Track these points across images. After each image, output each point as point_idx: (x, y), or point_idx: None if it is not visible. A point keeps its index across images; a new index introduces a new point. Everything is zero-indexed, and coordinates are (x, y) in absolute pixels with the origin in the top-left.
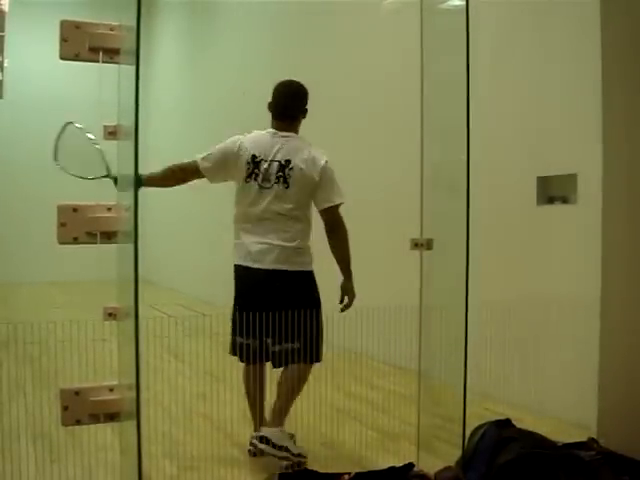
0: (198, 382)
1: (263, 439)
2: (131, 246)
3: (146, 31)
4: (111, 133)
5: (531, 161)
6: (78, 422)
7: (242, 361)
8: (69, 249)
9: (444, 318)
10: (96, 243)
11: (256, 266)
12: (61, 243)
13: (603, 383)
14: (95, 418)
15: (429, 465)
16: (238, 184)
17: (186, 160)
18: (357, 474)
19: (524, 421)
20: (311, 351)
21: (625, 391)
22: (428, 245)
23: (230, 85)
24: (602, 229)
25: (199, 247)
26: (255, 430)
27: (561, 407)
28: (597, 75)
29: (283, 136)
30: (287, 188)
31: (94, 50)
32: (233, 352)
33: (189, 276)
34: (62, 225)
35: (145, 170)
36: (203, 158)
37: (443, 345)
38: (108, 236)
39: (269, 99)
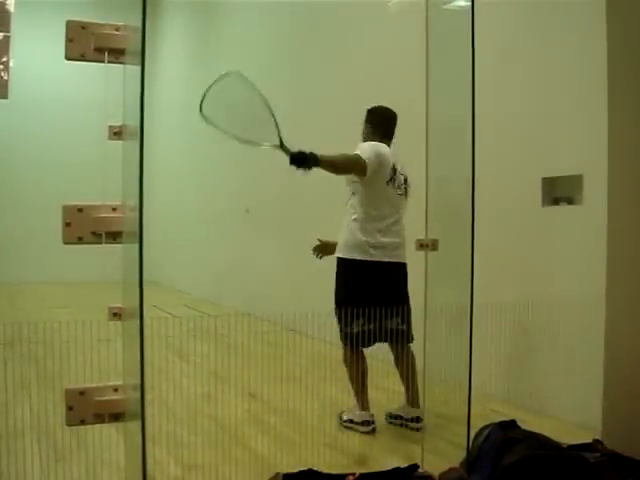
0: (202, 382)
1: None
2: (136, 246)
3: (151, 31)
4: (116, 133)
5: (536, 162)
6: (83, 422)
7: None
8: (74, 249)
9: (449, 319)
10: (101, 243)
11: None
12: (66, 243)
13: (608, 384)
14: (100, 418)
15: (433, 466)
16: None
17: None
18: (362, 475)
19: (529, 422)
20: None
21: (630, 392)
22: (433, 246)
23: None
24: (608, 230)
25: (204, 247)
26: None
27: (566, 408)
28: (603, 75)
29: None
30: None
31: (100, 50)
32: None
33: (194, 276)
34: (67, 225)
35: (149, 172)
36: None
37: (448, 346)
38: (113, 236)
39: (275, 100)
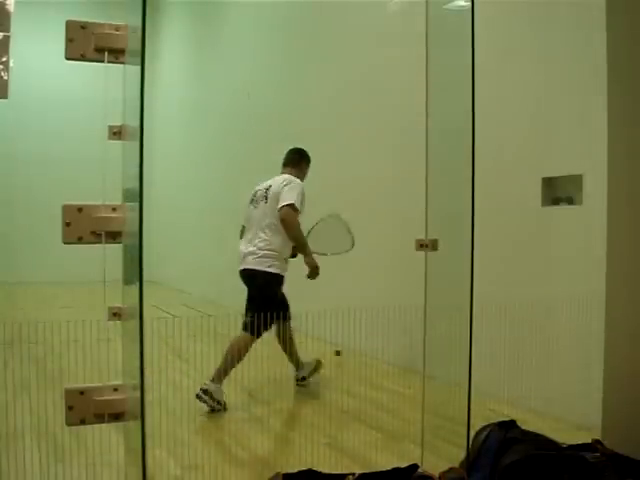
0: (202, 382)
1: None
2: (136, 246)
3: (151, 31)
4: (116, 133)
5: (536, 162)
6: (83, 422)
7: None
8: (74, 249)
9: (449, 319)
10: (101, 243)
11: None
12: (66, 243)
13: (608, 384)
14: (100, 418)
15: (433, 466)
16: None
17: None
18: (362, 475)
19: (529, 422)
20: None
21: (630, 392)
22: (433, 246)
23: (235, 86)
24: (607, 230)
25: (204, 247)
26: None
27: (566, 408)
28: (603, 75)
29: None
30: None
31: (99, 50)
32: None
33: (194, 276)
34: (67, 225)
35: (150, 170)
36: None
37: (448, 346)
38: (113, 236)
39: (274, 101)
